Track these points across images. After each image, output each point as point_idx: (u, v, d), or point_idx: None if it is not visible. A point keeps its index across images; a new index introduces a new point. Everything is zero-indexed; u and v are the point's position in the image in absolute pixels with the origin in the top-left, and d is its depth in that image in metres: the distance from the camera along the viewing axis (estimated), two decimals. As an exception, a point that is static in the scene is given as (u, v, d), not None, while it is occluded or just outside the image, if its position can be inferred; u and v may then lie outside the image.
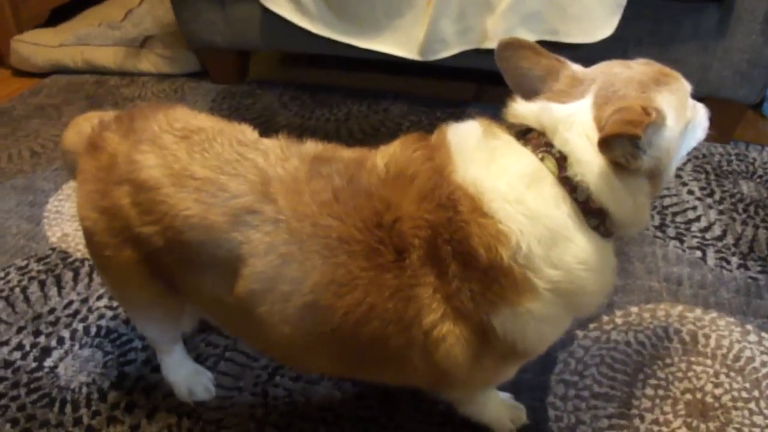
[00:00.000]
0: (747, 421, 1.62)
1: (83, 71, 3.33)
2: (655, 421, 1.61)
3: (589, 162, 1.12)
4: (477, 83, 3.13)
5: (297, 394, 1.66)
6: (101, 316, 1.89)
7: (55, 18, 3.70)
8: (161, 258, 1.30)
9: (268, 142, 1.30)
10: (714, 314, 1.89)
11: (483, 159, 1.16)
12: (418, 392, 1.63)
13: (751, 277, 2.02)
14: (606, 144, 1.09)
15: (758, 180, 2.43)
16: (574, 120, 1.14)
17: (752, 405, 1.66)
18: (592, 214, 1.15)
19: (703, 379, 1.71)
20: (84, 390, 1.70)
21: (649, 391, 1.67)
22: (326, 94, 3.03)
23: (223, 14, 2.86)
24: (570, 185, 1.13)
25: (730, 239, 2.16)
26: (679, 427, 1.60)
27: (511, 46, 1.27)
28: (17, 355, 1.79)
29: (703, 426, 1.60)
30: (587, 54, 2.52)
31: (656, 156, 1.13)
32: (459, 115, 2.82)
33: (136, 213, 1.27)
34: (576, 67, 1.26)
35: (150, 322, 1.57)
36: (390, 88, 3.09)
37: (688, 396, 1.67)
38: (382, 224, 1.15)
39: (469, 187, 1.13)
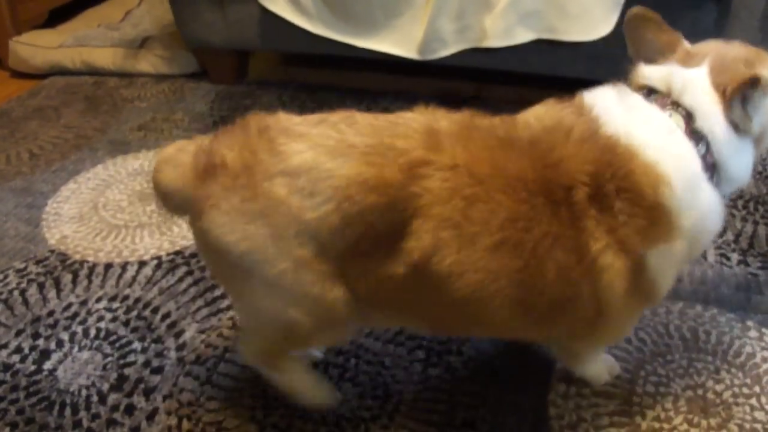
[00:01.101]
0: (748, 417, 1.61)
1: (82, 72, 3.33)
2: (656, 418, 1.61)
3: (714, 118, 1.29)
4: (477, 82, 3.12)
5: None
6: (100, 318, 1.89)
7: (54, 19, 3.70)
8: (333, 245, 1.23)
9: (406, 114, 1.30)
10: (714, 310, 1.89)
11: (624, 114, 1.28)
12: (420, 392, 1.64)
13: (751, 273, 2.02)
14: (729, 103, 1.28)
15: (758, 176, 2.43)
16: (698, 83, 1.31)
17: (753, 401, 1.65)
18: (707, 166, 1.30)
19: (704, 376, 1.71)
20: (83, 393, 1.69)
21: (650, 388, 1.67)
22: (325, 94, 3.03)
23: (221, 14, 2.86)
24: (696, 138, 1.29)
25: (729, 236, 2.16)
26: (681, 424, 1.60)
27: (640, 16, 1.42)
28: (16, 358, 1.79)
29: (704, 422, 1.60)
30: (588, 52, 2.54)
31: (762, 122, 1.32)
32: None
33: (300, 200, 1.20)
34: (687, 43, 1.43)
35: (312, 335, 1.43)
36: (389, 87, 3.08)
37: (689, 392, 1.67)
38: (549, 164, 1.22)
39: (622, 137, 1.24)
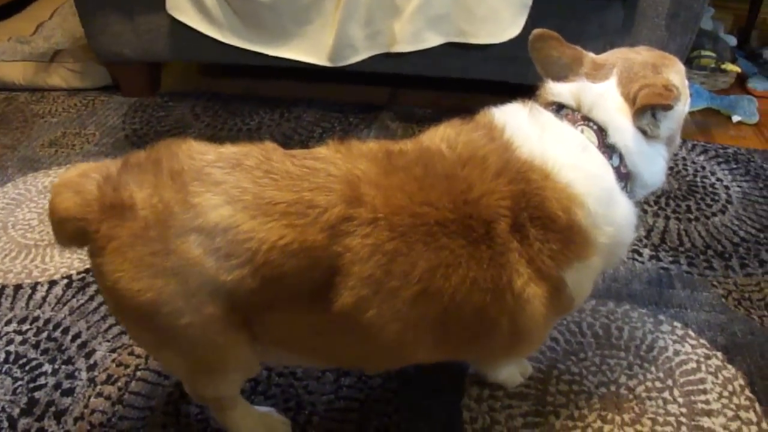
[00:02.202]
0: (662, 411, 1.63)
1: (-9, 88, 3.24)
2: (570, 417, 1.61)
3: (626, 130, 1.32)
4: (391, 87, 3.13)
5: (209, 410, 1.63)
6: (10, 342, 1.83)
7: (-39, 35, 3.60)
8: (248, 301, 1.18)
9: (322, 151, 1.27)
10: (627, 306, 1.91)
11: (537, 134, 1.29)
12: (333, 402, 1.62)
13: (662, 268, 2.05)
14: (638, 114, 1.31)
15: (669, 172, 2.46)
16: (608, 96, 1.34)
17: (666, 394, 1.68)
18: (621, 177, 1.33)
19: (617, 372, 1.73)
20: (-9, 418, 1.64)
21: (564, 387, 1.68)
22: (239, 104, 3.00)
23: (131, 26, 2.81)
24: (609, 152, 1.32)
25: (641, 231, 2.19)
26: (594, 421, 1.61)
27: (542, 37, 1.44)
28: None
29: (618, 418, 1.62)
30: (498, 54, 2.56)
31: (670, 126, 1.36)
32: (372, 120, 2.84)
33: (215, 261, 1.13)
34: (593, 55, 1.44)
35: (225, 380, 1.40)
36: (303, 95, 3.07)
37: (603, 389, 1.68)
38: (468, 201, 1.22)
39: (536, 159, 1.25)
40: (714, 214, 2.32)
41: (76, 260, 2.09)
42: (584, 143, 1.31)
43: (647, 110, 1.31)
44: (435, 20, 2.42)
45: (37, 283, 2.02)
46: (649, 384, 1.70)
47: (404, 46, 2.47)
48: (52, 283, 2.01)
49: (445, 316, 1.24)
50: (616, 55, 1.41)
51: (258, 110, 2.94)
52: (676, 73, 1.41)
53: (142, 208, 1.15)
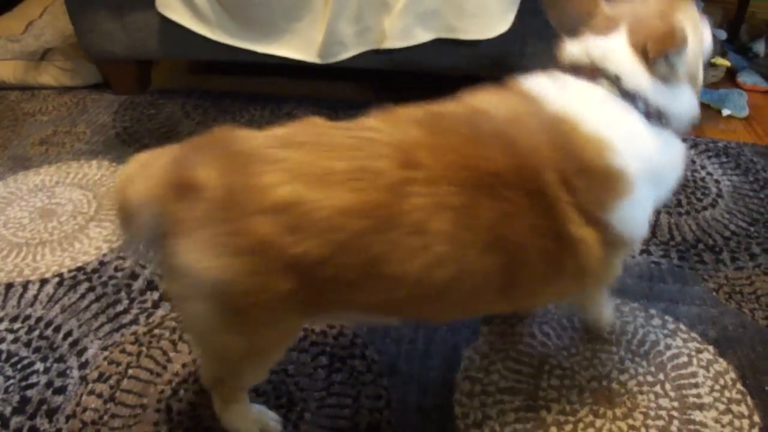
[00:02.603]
0: (653, 405, 1.64)
1: (-18, 88, 3.23)
2: (562, 411, 1.62)
3: (639, 75, 1.37)
4: (381, 83, 3.12)
5: (201, 407, 1.63)
6: (1, 340, 1.82)
7: (-49, 34, 3.59)
8: (318, 274, 1.20)
9: (369, 121, 1.30)
10: (618, 301, 1.91)
11: (562, 94, 1.35)
12: (325, 399, 1.62)
13: (653, 262, 2.06)
14: (651, 65, 1.36)
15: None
16: (618, 48, 1.38)
17: (658, 388, 1.68)
18: (653, 115, 1.38)
19: (609, 366, 1.73)
20: (-17, 417, 1.64)
21: (555, 382, 1.69)
22: (229, 101, 2.99)
23: (121, 24, 2.80)
24: (629, 98, 1.37)
25: (632, 226, 2.19)
26: (586, 416, 1.61)
27: None
28: None
29: (609, 413, 1.62)
30: (488, 50, 2.56)
31: (688, 66, 1.40)
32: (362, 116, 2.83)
33: (288, 235, 1.15)
34: (605, 6, 1.45)
35: (263, 363, 1.45)
36: (293, 92, 3.07)
37: (594, 384, 1.68)
38: (517, 156, 1.26)
39: (566, 115, 1.32)
40: (704, 208, 2.33)
41: (67, 258, 2.08)
42: (603, 94, 1.37)
43: (660, 59, 1.36)
44: (424, 16, 2.42)
45: (28, 282, 2.01)
46: (640, 378, 1.70)
47: (394, 42, 2.47)
48: (44, 282, 2.01)
49: (514, 263, 1.30)
50: (625, 7, 1.44)
51: (248, 107, 2.94)
52: (683, 14, 1.43)
53: (210, 189, 1.17)
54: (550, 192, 1.28)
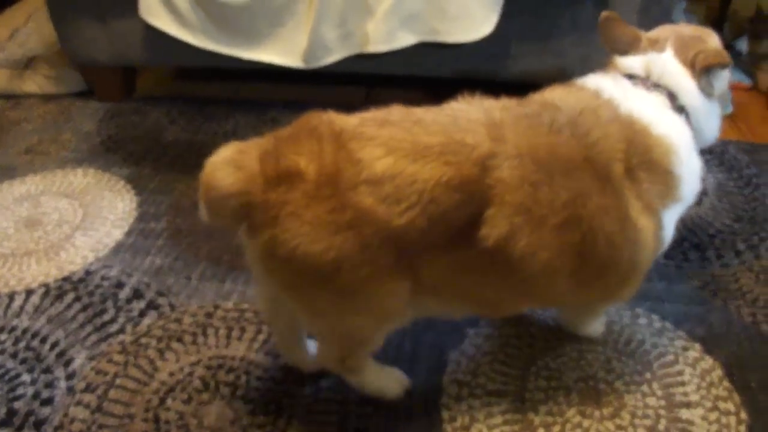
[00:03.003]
0: (640, 404, 1.65)
1: (-34, 96, 3.21)
2: (549, 412, 1.62)
3: (693, 92, 1.54)
4: (366, 87, 3.13)
5: (189, 416, 1.63)
6: (-13, 352, 1.83)
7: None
8: (416, 243, 1.27)
9: (456, 104, 1.40)
10: (604, 301, 1.92)
11: (627, 96, 1.48)
12: (312, 405, 1.62)
13: (639, 262, 2.06)
14: (699, 75, 1.54)
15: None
16: (672, 65, 1.55)
17: (645, 387, 1.69)
18: (694, 131, 1.55)
19: (595, 366, 1.74)
20: (-30, 430, 1.63)
21: (542, 383, 1.69)
22: (215, 107, 2.99)
23: (104, 30, 2.79)
24: (679, 112, 1.52)
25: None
26: (573, 416, 1.62)
27: (608, 19, 1.63)
28: None
29: (597, 413, 1.63)
30: (471, 52, 2.56)
31: (722, 85, 1.60)
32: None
33: (386, 208, 1.22)
34: (645, 33, 1.64)
35: (380, 333, 1.51)
36: (278, 97, 3.07)
37: (581, 384, 1.69)
38: (589, 144, 1.37)
39: (635, 113, 1.45)
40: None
41: (53, 268, 2.08)
42: (663, 104, 1.51)
43: (705, 72, 1.53)
44: (408, 20, 2.42)
45: (14, 293, 2.01)
46: (627, 377, 1.71)
47: (378, 46, 2.47)
48: (30, 292, 2.01)
49: (583, 245, 1.37)
50: (666, 31, 1.63)
51: (234, 113, 2.93)
52: (717, 42, 1.63)
53: (310, 172, 1.22)
54: (617, 179, 1.39)
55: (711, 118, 1.61)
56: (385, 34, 2.43)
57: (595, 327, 1.82)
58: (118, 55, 2.87)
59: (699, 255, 2.12)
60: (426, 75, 2.74)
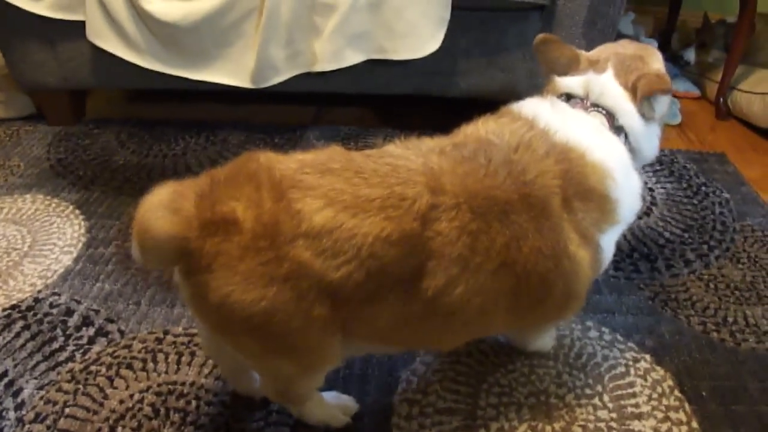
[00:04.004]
0: (592, 417, 1.65)
1: None
2: (501, 429, 1.62)
3: (631, 114, 1.56)
4: (316, 105, 3.14)
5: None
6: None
7: None
8: (351, 297, 1.26)
9: (393, 149, 1.40)
10: (554, 315, 1.93)
11: (563, 121, 1.49)
12: (263, 429, 1.61)
13: (589, 275, 2.08)
14: (640, 101, 1.56)
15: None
16: (611, 86, 1.58)
17: (596, 400, 1.69)
18: (632, 151, 1.58)
19: (546, 381, 1.74)
20: None
21: (493, 400, 1.69)
22: (164, 129, 2.97)
23: (53, 54, 2.77)
24: (618, 132, 1.55)
25: (567, 239, 2.21)
26: (525, 432, 1.62)
27: (544, 41, 1.65)
28: None
29: (548, 428, 1.63)
30: (419, 69, 2.57)
31: (662, 108, 1.61)
32: (297, 140, 2.84)
33: (323, 261, 1.21)
34: (585, 53, 1.68)
35: (318, 378, 1.51)
36: (228, 117, 3.06)
37: (533, 399, 1.69)
38: (526, 182, 1.37)
39: (570, 141, 1.45)
40: (639, 217, 2.35)
41: (1, 296, 2.05)
42: (599, 126, 1.54)
43: (646, 99, 1.56)
44: (355, 38, 2.43)
45: (-39, 323, 1.98)
46: (578, 391, 1.72)
47: (325, 65, 2.47)
48: (-24, 322, 1.97)
49: (518, 286, 1.38)
50: (607, 51, 1.66)
51: (183, 135, 2.92)
52: (659, 63, 1.66)
53: (246, 221, 1.20)
54: (555, 214, 1.39)
55: (650, 139, 1.63)
56: (332, 53, 2.44)
57: (545, 342, 1.84)
58: (66, 78, 2.84)
59: (649, 266, 2.14)
60: (375, 93, 2.75)
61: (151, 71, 2.61)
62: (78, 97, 3.09)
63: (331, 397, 1.65)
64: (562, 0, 2.48)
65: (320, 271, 1.21)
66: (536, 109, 1.53)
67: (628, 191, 1.52)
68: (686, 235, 2.31)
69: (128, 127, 3.00)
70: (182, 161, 2.73)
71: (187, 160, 2.74)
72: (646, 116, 1.58)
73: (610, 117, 1.56)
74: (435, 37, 2.42)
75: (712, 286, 2.10)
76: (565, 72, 1.65)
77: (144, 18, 2.49)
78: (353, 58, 2.47)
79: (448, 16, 2.40)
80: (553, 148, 1.43)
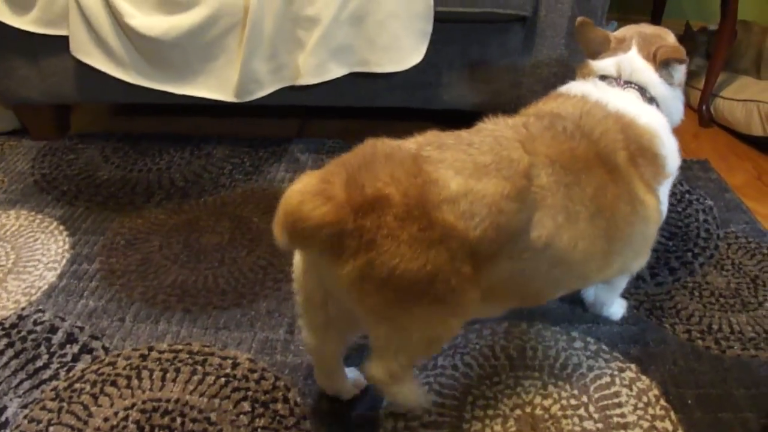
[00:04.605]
0: (578, 428, 1.65)
1: None
2: (487, 442, 1.63)
3: (660, 85, 1.79)
4: (300, 119, 3.14)
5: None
6: None
7: None
8: (486, 253, 1.38)
9: (487, 126, 1.53)
10: (539, 326, 1.93)
11: (608, 96, 1.70)
12: None
13: (574, 285, 2.08)
14: (659, 67, 1.78)
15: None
16: (639, 62, 1.79)
17: (582, 411, 1.70)
18: (665, 115, 1.79)
19: (532, 393, 1.74)
20: None
21: (479, 413, 1.69)
22: (149, 143, 2.97)
23: (37, 69, 2.77)
24: (651, 102, 1.76)
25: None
26: (511, 444, 1.62)
27: (582, 24, 1.84)
28: None
29: (534, 439, 1.63)
30: (403, 81, 2.58)
31: (679, 75, 1.84)
32: (282, 153, 2.84)
33: (464, 222, 1.32)
34: (612, 33, 1.88)
35: (443, 343, 1.65)
36: (213, 131, 3.06)
37: (518, 411, 1.69)
38: (596, 140, 1.57)
39: (620, 109, 1.67)
40: (623, 227, 2.36)
41: (-16, 315, 2.04)
42: (637, 99, 1.74)
43: (664, 65, 1.78)
44: (338, 51, 2.44)
45: (-57, 341, 1.97)
46: (564, 402, 1.72)
47: (308, 78, 2.47)
48: (-41, 341, 1.97)
49: (608, 229, 1.56)
50: (631, 31, 1.86)
51: (168, 149, 2.91)
52: (673, 39, 1.87)
53: (395, 196, 1.29)
54: (623, 166, 1.59)
55: (676, 103, 1.84)
56: (315, 67, 2.44)
57: (616, 309, 2.02)
58: (50, 93, 2.84)
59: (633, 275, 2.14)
60: (360, 105, 2.76)
61: (136, 86, 2.60)
62: (62, 111, 3.08)
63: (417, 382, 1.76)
64: (544, 11, 2.49)
65: (463, 231, 1.32)
66: (583, 89, 1.74)
67: (671, 149, 1.73)
68: (670, 243, 2.32)
69: (113, 142, 2.99)
70: (167, 176, 2.72)
71: (171, 174, 2.73)
72: (668, 82, 1.80)
73: (643, 91, 1.77)
74: (418, 50, 2.42)
75: (696, 293, 2.10)
76: (598, 51, 1.86)
77: (127, 33, 2.49)
78: (336, 71, 2.47)
79: (430, 29, 2.40)
80: (609, 113, 1.64)
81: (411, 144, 1.42)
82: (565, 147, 1.51)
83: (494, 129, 1.50)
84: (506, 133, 1.48)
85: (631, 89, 1.76)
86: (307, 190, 1.29)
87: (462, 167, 1.36)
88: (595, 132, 1.59)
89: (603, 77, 1.80)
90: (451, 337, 1.66)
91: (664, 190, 1.74)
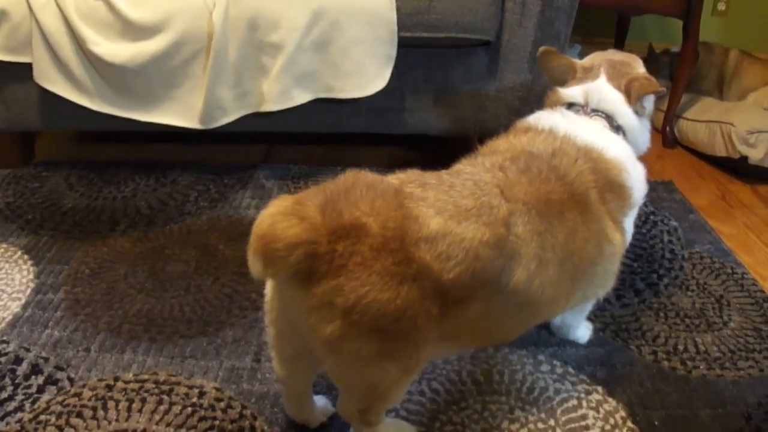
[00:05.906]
0: (545, 452, 1.66)
1: None
2: (454, 468, 1.62)
3: (628, 114, 1.80)
4: (267, 144, 3.14)
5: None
6: None
7: None
8: (455, 297, 1.38)
9: (462, 168, 1.55)
10: (506, 350, 1.93)
11: (575, 128, 1.70)
12: None
13: (540, 308, 2.09)
14: (633, 101, 1.79)
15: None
16: (607, 91, 1.81)
17: (549, 434, 1.70)
18: (632, 144, 1.81)
19: (499, 417, 1.74)
20: None
21: (446, 439, 1.69)
22: (114, 171, 2.95)
23: (0, 96, 2.75)
24: (617, 131, 1.78)
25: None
26: (478, 470, 1.62)
27: (544, 53, 1.89)
28: None
29: (502, 464, 1.63)
30: (368, 106, 2.59)
31: (649, 105, 1.86)
32: (248, 180, 2.83)
33: (440, 263, 1.32)
34: (580, 61, 1.91)
35: (407, 384, 1.56)
36: (178, 158, 3.06)
37: (486, 436, 1.70)
38: (569, 183, 1.57)
39: (588, 143, 1.67)
40: (588, 249, 2.37)
41: (-51, 344, 2.02)
42: (602, 128, 1.76)
43: (638, 100, 1.80)
44: (302, 78, 2.44)
45: None
46: (531, 426, 1.72)
47: (273, 105, 2.48)
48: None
49: (575, 273, 1.57)
50: (598, 58, 1.89)
51: (134, 176, 2.90)
52: (642, 67, 1.90)
53: (373, 226, 1.29)
54: (594, 205, 1.60)
55: (643, 132, 1.86)
56: (279, 93, 2.45)
57: (583, 332, 2.03)
58: (14, 121, 2.82)
59: (599, 297, 2.16)
60: (325, 131, 2.76)
61: (101, 113, 2.59)
62: (27, 139, 3.05)
63: (395, 421, 1.74)
64: (507, 35, 2.52)
65: (438, 271, 1.32)
66: (550, 121, 1.74)
67: (637, 179, 1.75)
68: (635, 264, 2.34)
69: (78, 170, 2.97)
70: (132, 203, 2.70)
71: (137, 202, 2.71)
72: (639, 114, 1.82)
73: (610, 119, 1.78)
74: (382, 75, 2.44)
75: (662, 314, 2.12)
76: (563, 79, 1.89)
77: (92, 60, 2.49)
78: (301, 97, 2.48)
79: (394, 54, 2.42)
80: (579, 149, 1.64)
81: (393, 179, 1.43)
82: (542, 191, 1.51)
83: (473, 172, 1.50)
84: (485, 177, 1.49)
85: (598, 117, 1.78)
86: (279, 212, 1.28)
87: (443, 208, 1.37)
88: (569, 174, 1.58)
89: (570, 105, 1.82)
90: (404, 382, 1.50)
91: (630, 221, 1.76)
